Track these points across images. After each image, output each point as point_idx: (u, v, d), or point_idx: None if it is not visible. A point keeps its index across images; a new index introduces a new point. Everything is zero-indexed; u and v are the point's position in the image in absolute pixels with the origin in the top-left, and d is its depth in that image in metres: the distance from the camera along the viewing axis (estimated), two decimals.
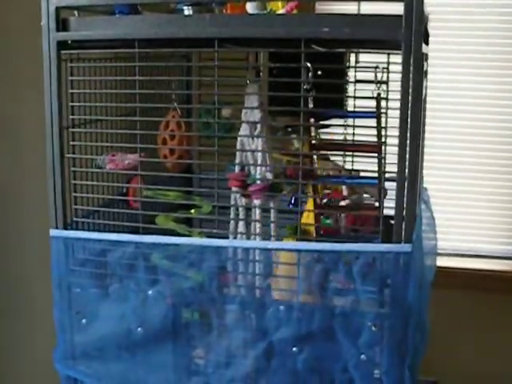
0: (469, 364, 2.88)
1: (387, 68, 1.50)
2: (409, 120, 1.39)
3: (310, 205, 1.62)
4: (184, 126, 1.68)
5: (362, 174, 1.71)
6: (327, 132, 1.84)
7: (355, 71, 1.68)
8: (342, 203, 1.74)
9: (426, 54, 1.74)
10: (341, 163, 1.80)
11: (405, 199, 1.41)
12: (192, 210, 1.73)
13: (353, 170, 1.73)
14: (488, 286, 2.85)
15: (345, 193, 1.73)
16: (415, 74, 1.38)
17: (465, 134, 2.96)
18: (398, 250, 1.43)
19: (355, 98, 1.66)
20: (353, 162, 1.78)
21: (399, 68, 1.39)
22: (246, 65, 1.74)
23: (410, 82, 1.38)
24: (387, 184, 1.51)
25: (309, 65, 1.45)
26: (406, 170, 1.40)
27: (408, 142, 1.39)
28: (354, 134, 1.74)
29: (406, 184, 1.41)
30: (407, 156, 1.39)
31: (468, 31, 2.91)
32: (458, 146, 2.96)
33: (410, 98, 1.38)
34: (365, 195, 1.76)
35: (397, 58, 1.42)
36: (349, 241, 1.51)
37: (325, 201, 1.79)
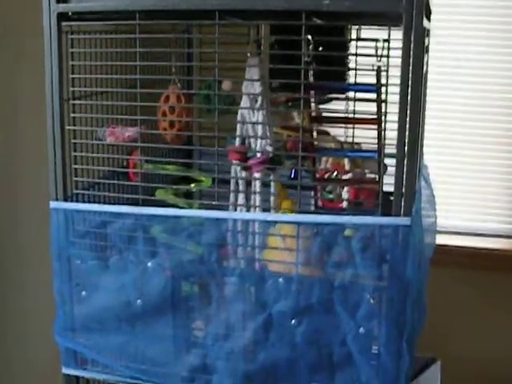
0: (467, 342, 2.89)
1: (388, 41, 1.49)
2: (409, 94, 1.39)
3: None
4: (184, 99, 1.67)
5: (362, 147, 1.71)
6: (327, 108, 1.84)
7: (356, 45, 1.67)
8: (344, 177, 1.73)
9: (428, 30, 1.73)
10: (342, 138, 1.80)
11: (404, 173, 1.41)
12: (192, 185, 1.73)
13: (354, 142, 1.72)
14: (489, 264, 2.85)
15: (346, 167, 1.72)
16: (416, 48, 1.37)
17: (467, 112, 2.95)
18: (397, 223, 1.43)
19: (356, 70, 1.65)
20: (353, 136, 1.78)
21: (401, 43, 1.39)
22: (247, 38, 1.73)
23: (411, 56, 1.37)
24: (388, 161, 1.51)
25: (309, 37, 1.45)
26: (406, 143, 1.40)
27: (408, 115, 1.39)
28: (354, 107, 1.73)
29: (405, 157, 1.41)
30: (407, 129, 1.39)
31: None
32: (458, 124, 2.96)
33: (410, 72, 1.38)
34: (366, 171, 1.76)
35: (399, 34, 1.41)
36: (347, 213, 1.51)
37: (327, 175, 1.79)
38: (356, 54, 1.58)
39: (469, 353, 2.87)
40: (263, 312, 1.53)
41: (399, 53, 1.39)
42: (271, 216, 1.55)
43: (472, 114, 2.94)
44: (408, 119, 1.39)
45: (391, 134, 1.45)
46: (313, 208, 1.74)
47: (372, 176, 1.72)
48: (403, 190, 1.42)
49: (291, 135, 1.69)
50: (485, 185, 2.97)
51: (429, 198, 1.91)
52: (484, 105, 2.93)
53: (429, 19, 1.75)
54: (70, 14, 1.58)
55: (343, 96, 1.77)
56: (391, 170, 1.46)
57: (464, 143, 2.97)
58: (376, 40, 1.55)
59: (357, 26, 1.77)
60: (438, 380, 2.07)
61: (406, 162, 1.41)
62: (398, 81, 1.40)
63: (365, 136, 1.69)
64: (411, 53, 1.37)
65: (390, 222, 1.44)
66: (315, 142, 1.69)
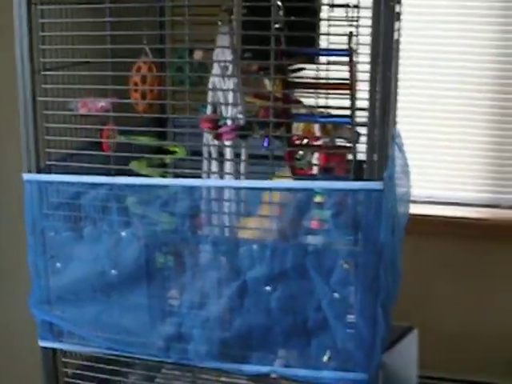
0: (444, 311, 2.90)
1: (357, 6, 1.50)
2: (379, 59, 1.39)
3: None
4: (156, 68, 1.66)
5: (334, 112, 1.71)
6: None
7: (328, 10, 1.67)
8: (315, 143, 1.73)
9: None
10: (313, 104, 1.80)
11: (376, 137, 1.42)
12: (167, 157, 1.73)
13: (325, 106, 1.72)
14: (464, 233, 2.86)
15: (317, 134, 1.72)
16: (386, 13, 1.37)
17: (441, 82, 2.95)
18: (369, 188, 1.43)
19: (327, 35, 1.66)
20: (326, 102, 1.77)
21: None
22: (219, 6, 1.73)
23: (381, 21, 1.38)
24: (360, 129, 1.51)
25: (279, 3, 1.45)
26: (377, 107, 1.40)
27: (378, 80, 1.39)
28: (326, 71, 1.73)
29: (376, 122, 1.41)
30: (377, 94, 1.40)
31: None
32: (434, 94, 2.96)
33: (380, 37, 1.38)
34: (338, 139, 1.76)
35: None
36: (320, 178, 1.52)
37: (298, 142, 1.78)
38: (326, 19, 1.58)
39: (445, 321, 2.89)
40: (238, 279, 1.54)
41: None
42: (243, 183, 1.55)
43: (445, 84, 2.95)
44: (379, 84, 1.40)
45: (364, 103, 1.45)
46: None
47: (343, 143, 1.72)
48: (375, 154, 1.43)
49: (263, 105, 1.69)
50: (457, 154, 2.98)
51: (403, 167, 1.92)
52: (458, 81, 2.94)
53: None
54: None
55: (314, 66, 1.77)
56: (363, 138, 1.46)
57: (436, 113, 2.97)
58: (347, 6, 1.55)
59: None
60: (415, 348, 2.09)
61: (377, 127, 1.41)
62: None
63: (337, 105, 1.68)
64: (381, 18, 1.37)
65: (362, 186, 1.44)
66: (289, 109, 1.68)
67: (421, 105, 2.96)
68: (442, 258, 2.88)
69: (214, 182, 1.63)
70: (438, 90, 2.95)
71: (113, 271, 1.61)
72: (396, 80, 1.79)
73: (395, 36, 1.61)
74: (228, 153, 1.61)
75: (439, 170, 3.00)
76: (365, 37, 1.47)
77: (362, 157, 1.47)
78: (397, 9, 1.61)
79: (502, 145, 2.94)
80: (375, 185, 1.43)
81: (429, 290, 2.88)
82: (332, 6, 1.65)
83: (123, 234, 1.59)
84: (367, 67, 1.41)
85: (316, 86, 1.72)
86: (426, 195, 2.96)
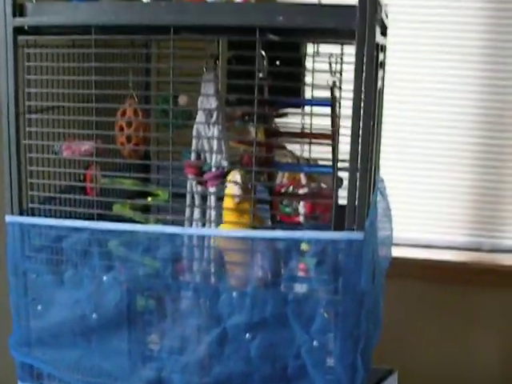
0: (423, 354, 2.91)
1: (341, 58, 1.51)
2: (361, 109, 1.41)
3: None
4: (141, 113, 1.68)
5: (318, 162, 1.73)
6: (284, 122, 1.85)
7: (313, 61, 1.69)
8: (301, 191, 1.75)
9: (384, 45, 1.75)
10: (298, 152, 1.81)
11: (357, 187, 1.43)
12: (149, 198, 1.74)
13: (310, 158, 1.74)
14: (445, 276, 2.88)
15: (303, 181, 1.74)
16: (368, 64, 1.39)
17: (423, 126, 2.98)
18: (351, 238, 1.45)
19: (311, 86, 1.67)
20: (310, 150, 1.79)
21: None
22: (203, 53, 1.75)
23: (363, 72, 1.39)
24: (343, 174, 1.52)
25: (263, 53, 1.47)
26: (359, 158, 1.41)
27: (360, 130, 1.41)
28: (311, 123, 1.76)
29: (358, 171, 1.42)
30: (359, 144, 1.41)
31: (426, 23, 2.94)
32: (417, 138, 2.99)
33: (362, 87, 1.40)
34: (323, 185, 1.77)
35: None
36: (304, 228, 1.53)
37: (283, 190, 1.80)
38: (312, 71, 1.60)
39: (424, 364, 2.90)
40: (218, 326, 1.54)
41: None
42: (225, 232, 1.56)
43: (429, 128, 2.97)
44: (361, 133, 1.41)
45: (347, 147, 1.47)
46: (269, 222, 1.74)
47: (328, 190, 1.73)
48: (356, 203, 1.44)
49: (247, 150, 1.70)
50: (437, 197, 3.00)
51: (385, 211, 1.93)
52: (439, 125, 2.97)
53: (384, 35, 1.77)
54: (26, 27, 1.58)
55: (299, 111, 1.79)
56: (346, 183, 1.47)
57: (418, 157, 3.00)
58: (330, 56, 1.57)
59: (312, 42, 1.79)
60: None
61: (358, 175, 1.43)
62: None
63: (321, 151, 1.70)
64: (364, 68, 1.39)
65: (343, 236, 1.45)
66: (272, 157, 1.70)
67: (402, 148, 2.99)
68: (423, 300, 2.89)
69: (196, 230, 1.63)
70: (417, 133, 2.98)
71: (94, 315, 1.61)
72: (380, 126, 1.80)
73: (379, 85, 1.63)
74: (212, 200, 1.62)
75: (420, 213, 3.02)
76: (348, 85, 1.48)
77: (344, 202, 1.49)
78: (380, 57, 1.64)
79: (483, 189, 2.96)
80: (356, 235, 1.44)
81: (409, 332, 2.89)
82: (315, 56, 1.66)
83: (105, 278, 1.59)
84: (350, 116, 1.43)
85: (299, 135, 1.73)
86: (406, 238, 2.97)
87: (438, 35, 2.92)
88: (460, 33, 2.91)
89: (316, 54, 1.71)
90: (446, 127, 2.96)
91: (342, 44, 1.52)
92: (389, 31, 1.86)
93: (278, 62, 1.56)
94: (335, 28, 1.42)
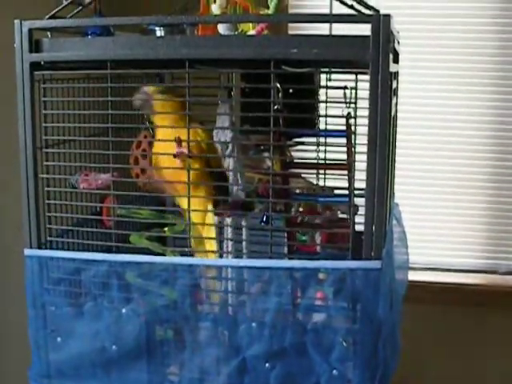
0: (441, 377, 2.90)
1: (355, 88, 1.52)
2: (377, 138, 1.41)
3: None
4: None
5: (334, 190, 1.74)
6: (299, 149, 1.86)
7: (326, 91, 1.70)
8: (317, 221, 1.76)
9: (396, 73, 1.76)
10: (313, 181, 1.82)
11: (374, 217, 1.44)
12: (165, 228, 1.74)
13: (325, 187, 1.75)
14: (462, 299, 2.87)
15: (319, 210, 1.75)
16: (383, 94, 1.40)
17: (437, 150, 2.99)
18: (368, 267, 1.45)
19: (325, 116, 1.68)
20: (325, 179, 1.80)
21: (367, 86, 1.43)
22: (218, 85, 1.76)
23: (378, 102, 1.40)
24: (358, 200, 1.53)
25: (278, 85, 1.48)
26: (375, 188, 1.42)
27: (376, 160, 1.42)
28: (325, 151, 1.77)
29: (374, 202, 1.43)
30: (376, 174, 1.42)
31: (435, 47, 2.95)
32: (430, 162, 3.00)
33: (378, 116, 1.41)
34: (339, 212, 1.78)
35: (366, 77, 1.45)
36: (320, 257, 1.53)
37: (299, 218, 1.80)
38: (323, 101, 1.61)
39: None
40: (237, 356, 1.54)
41: (367, 94, 1.42)
42: (243, 262, 1.57)
43: (443, 151, 2.98)
44: (377, 163, 1.42)
45: (362, 175, 1.48)
46: (286, 250, 1.74)
47: (344, 217, 1.74)
48: (373, 233, 1.44)
49: (262, 178, 1.71)
50: (453, 220, 3.00)
51: (400, 235, 1.94)
52: (453, 148, 2.98)
53: (397, 62, 1.78)
54: (42, 63, 1.59)
55: (313, 141, 1.80)
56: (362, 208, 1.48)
57: (434, 181, 3.01)
58: (345, 87, 1.57)
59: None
60: None
61: (375, 205, 1.43)
62: (366, 122, 1.43)
63: (336, 178, 1.71)
64: (378, 99, 1.40)
65: (360, 265, 1.45)
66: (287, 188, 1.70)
67: (417, 173, 3.00)
68: (439, 324, 2.88)
69: (214, 261, 1.64)
70: (431, 157, 2.99)
71: (113, 347, 1.61)
72: (394, 153, 1.81)
73: (393, 112, 1.64)
74: (229, 231, 1.63)
75: (436, 236, 3.02)
76: (362, 112, 1.50)
77: (361, 227, 1.49)
78: (394, 84, 1.65)
79: (499, 211, 2.96)
80: (373, 264, 1.45)
81: (426, 356, 2.88)
82: (329, 87, 1.67)
83: (124, 310, 1.60)
84: (365, 147, 1.43)
85: (315, 166, 1.74)
86: (422, 262, 2.97)
87: (447, 58, 2.94)
88: (469, 55, 2.93)
89: (328, 79, 1.72)
90: (462, 150, 2.97)
91: (357, 74, 1.53)
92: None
93: (290, 91, 1.56)
94: (348, 59, 1.43)
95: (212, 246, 1.68)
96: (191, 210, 1.57)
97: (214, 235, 1.68)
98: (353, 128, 1.59)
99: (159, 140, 1.67)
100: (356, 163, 1.54)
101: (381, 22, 1.38)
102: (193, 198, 1.58)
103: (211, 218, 1.68)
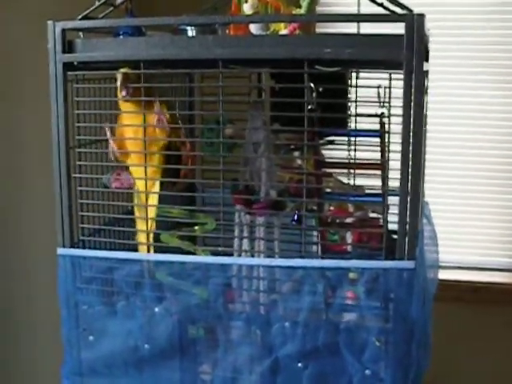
0: (472, 377, 2.89)
1: (389, 88, 1.52)
2: (411, 138, 1.41)
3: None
4: (188, 145, 1.69)
5: (365, 189, 1.73)
6: (328, 148, 1.86)
7: (356, 90, 1.70)
8: (348, 220, 1.75)
9: (427, 71, 1.76)
10: (344, 180, 1.82)
11: (407, 217, 1.43)
12: (196, 227, 1.75)
13: (357, 186, 1.75)
14: (494, 298, 2.86)
15: (350, 209, 1.75)
16: (416, 93, 1.40)
17: (463, 148, 2.98)
18: (401, 267, 1.45)
19: (358, 115, 1.68)
20: (354, 178, 1.80)
21: (399, 83, 1.43)
22: (249, 85, 1.76)
23: (412, 102, 1.40)
24: (391, 199, 1.52)
25: (312, 85, 1.48)
26: (409, 188, 1.42)
27: (410, 159, 1.41)
28: (355, 150, 1.77)
29: (408, 201, 1.43)
30: (409, 175, 1.42)
31: (465, 37, 2.94)
32: (457, 160, 2.99)
33: (411, 117, 1.40)
34: (370, 212, 1.78)
35: (397, 75, 1.44)
36: (352, 257, 1.54)
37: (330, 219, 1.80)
38: (360, 101, 1.61)
39: None
40: (270, 355, 1.55)
41: (399, 93, 1.42)
42: (276, 261, 1.57)
43: (469, 149, 2.97)
44: (410, 164, 1.42)
45: (393, 172, 1.48)
46: (314, 248, 1.74)
47: (375, 216, 1.74)
48: (406, 233, 1.44)
49: (293, 177, 1.71)
50: (484, 219, 2.99)
51: (430, 234, 1.93)
52: (481, 146, 2.96)
53: (427, 60, 1.77)
54: (75, 63, 1.60)
55: (345, 142, 1.80)
56: (393, 207, 1.48)
57: (465, 179, 2.99)
58: (378, 87, 1.57)
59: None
60: None
61: (408, 205, 1.43)
62: (398, 120, 1.43)
63: (366, 177, 1.71)
64: (412, 98, 1.40)
65: (394, 265, 1.45)
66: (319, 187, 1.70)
67: (448, 171, 2.98)
68: (470, 322, 2.87)
69: (246, 260, 1.64)
70: (457, 155, 2.98)
71: (145, 346, 1.62)
72: (424, 151, 1.80)
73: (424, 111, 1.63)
74: (261, 230, 1.63)
75: (466, 235, 3.01)
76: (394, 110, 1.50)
77: (391, 225, 1.49)
78: (426, 83, 1.64)
79: None
80: (407, 264, 1.44)
81: (457, 355, 2.87)
82: (363, 87, 1.66)
83: (156, 309, 1.61)
84: (398, 147, 1.43)
85: (349, 165, 1.74)
86: (452, 260, 2.96)
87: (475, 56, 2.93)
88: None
89: (361, 83, 1.72)
90: (493, 148, 2.96)
91: (391, 74, 1.52)
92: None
93: (320, 89, 1.55)
94: (382, 59, 1.43)
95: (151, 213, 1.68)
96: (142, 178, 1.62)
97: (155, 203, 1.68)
98: (386, 127, 1.58)
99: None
100: (389, 162, 1.54)
101: (414, 22, 1.37)
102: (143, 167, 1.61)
103: (157, 188, 1.67)
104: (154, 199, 1.67)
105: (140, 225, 1.71)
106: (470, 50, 2.98)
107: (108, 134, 1.65)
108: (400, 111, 1.42)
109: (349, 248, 1.67)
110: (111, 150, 1.66)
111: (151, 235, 1.66)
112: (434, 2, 2.99)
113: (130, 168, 1.68)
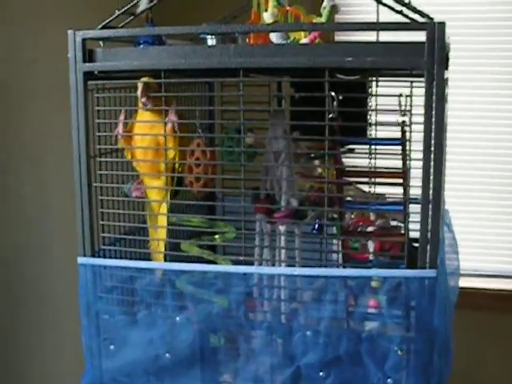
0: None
1: (410, 96, 1.52)
2: (432, 146, 1.41)
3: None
4: (209, 154, 1.69)
5: (386, 197, 1.73)
6: (348, 156, 1.86)
7: (375, 99, 1.69)
8: (370, 229, 1.75)
9: (447, 79, 1.75)
10: (364, 188, 1.81)
11: (429, 226, 1.43)
12: (216, 236, 1.75)
13: (378, 194, 1.74)
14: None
15: (372, 218, 1.74)
16: (437, 102, 1.39)
17: (486, 155, 2.97)
18: (423, 276, 1.44)
19: (380, 124, 1.67)
20: (375, 186, 1.79)
21: (419, 91, 1.42)
22: (270, 94, 1.76)
23: (433, 110, 1.40)
24: (412, 207, 1.52)
25: (333, 94, 1.48)
26: (430, 196, 1.41)
27: (432, 169, 1.41)
28: (375, 158, 1.77)
29: (429, 210, 1.42)
30: (431, 183, 1.41)
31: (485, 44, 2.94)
32: (478, 167, 2.98)
33: (432, 125, 1.40)
34: (391, 220, 1.77)
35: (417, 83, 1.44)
36: (373, 265, 1.53)
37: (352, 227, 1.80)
38: (382, 110, 1.60)
39: None
40: (291, 364, 1.54)
41: (419, 101, 1.42)
42: (297, 270, 1.57)
43: (492, 156, 2.96)
44: (432, 173, 1.41)
45: (414, 180, 1.47)
46: (335, 257, 1.74)
47: (396, 225, 1.73)
48: (428, 242, 1.44)
49: (313, 186, 1.71)
50: (503, 227, 2.97)
51: (451, 241, 1.92)
52: (499, 153, 2.95)
53: (447, 68, 1.77)
54: (95, 72, 1.60)
55: (366, 150, 1.79)
56: (414, 215, 1.47)
57: (481, 186, 2.99)
58: (400, 95, 1.56)
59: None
60: None
61: (430, 213, 1.42)
62: (419, 128, 1.43)
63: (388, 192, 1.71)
64: (433, 106, 1.39)
65: (415, 274, 1.45)
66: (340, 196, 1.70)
67: (466, 178, 2.97)
68: (491, 330, 2.86)
69: (268, 269, 1.64)
70: (480, 162, 2.97)
71: (167, 355, 1.62)
72: (445, 158, 1.80)
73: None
74: (282, 239, 1.63)
75: (485, 242, 2.99)
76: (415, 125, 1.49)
77: (412, 233, 1.48)
78: (446, 91, 1.63)
79: None
80: (429, 272, 1.44)
81: (475, 364, 2.86)
82: (383, 95, 1.66)
83: (177, 318, 1.61)
84: (419, 155, 1.43)
85: (370, 174, 1.73)
86: (470, 268, 2.95)
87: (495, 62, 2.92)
88: None
89: (381, 92, 1.71)
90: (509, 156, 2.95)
91: (412, 84, 1.52)
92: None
93: (340, 97, 1.55)
94: (403, 67, 1.43)
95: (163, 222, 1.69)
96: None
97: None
98: (407, 135, 1.58)
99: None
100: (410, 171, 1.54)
101: (436, 30, 1.37)
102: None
103: (165, 208, 1.68)
104: (164, 208, 1.67)
105: (152, 234, 1.71)
106: (475, 56, 2.97)
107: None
108: (420, 119, 1.42)
109: (370, 256, 1.66)
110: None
111: (163, 244, 1.66)
112: (449, 10, 2.99)
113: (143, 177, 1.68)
